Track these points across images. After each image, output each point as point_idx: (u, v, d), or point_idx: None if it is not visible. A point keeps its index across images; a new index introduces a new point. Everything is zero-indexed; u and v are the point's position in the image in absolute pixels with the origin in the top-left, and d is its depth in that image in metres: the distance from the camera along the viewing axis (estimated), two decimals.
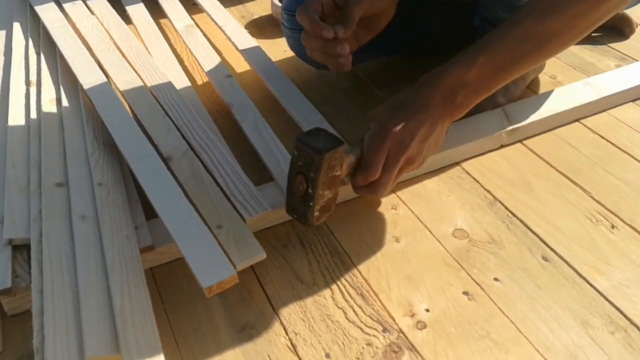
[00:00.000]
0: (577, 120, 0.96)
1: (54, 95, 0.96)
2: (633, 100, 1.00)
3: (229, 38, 1.13)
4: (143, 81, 0.97)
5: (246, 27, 1.26)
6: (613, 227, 0.78)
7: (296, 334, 0.66)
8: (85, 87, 0.93)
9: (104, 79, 0.95)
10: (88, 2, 1.22)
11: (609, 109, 0.98)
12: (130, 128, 0.85)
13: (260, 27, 1.27)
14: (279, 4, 1.24)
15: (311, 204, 0.69)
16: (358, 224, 0.79)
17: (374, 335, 0.66)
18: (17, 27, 1.16)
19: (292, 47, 1.04)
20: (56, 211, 0.74)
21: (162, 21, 1.26)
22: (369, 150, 0.70)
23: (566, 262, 0.74)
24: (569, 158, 0.90)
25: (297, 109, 0.93)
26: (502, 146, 0.92)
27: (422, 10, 0.96)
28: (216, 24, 1.18)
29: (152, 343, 0.59)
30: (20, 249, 0.71)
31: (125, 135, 0.83)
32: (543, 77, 1.06)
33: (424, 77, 0.75)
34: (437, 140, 0.75)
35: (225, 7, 1.29)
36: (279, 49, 1.17)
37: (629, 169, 0.87)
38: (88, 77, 0.95)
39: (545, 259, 0.74)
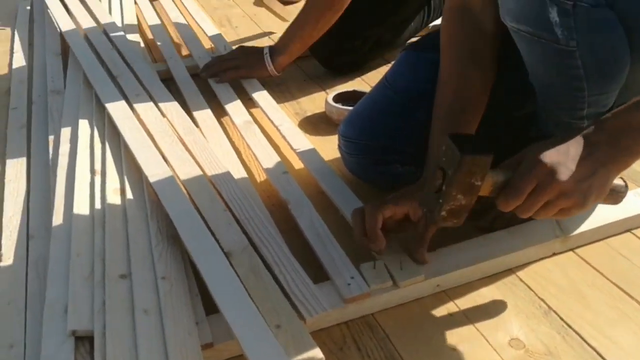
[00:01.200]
0: (628, 230, 0.97)
1: (118, 185, 1.00)
2: None
3: (284, 137, 1.18)
4: (205, 174, 1.01)
5: (300, 124, 1.31)
6: None
7: None
8: (150, 179, 0.97)
9: (168, 171, 1.00)
10: (152, 93, 1.28)
11: None
12: (193, 221, 0.88)
13: (314, 124, 1.31)
14: (333, 103, 1.30)
15: (441, 201, 0.69)
16: (415, 329, 0.80)
17: None
18: (83, 115, 1.23)
19: (349, 168, 1.08)
20: (119, 303, 0.76)
21: (218, 110, 1.32)
22: (518, 174, 0.70)
23: None
24: (622, 269, 0.90)
25: (349, 210, 0.96)
26: (555, 254, 0.92)
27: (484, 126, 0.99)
28: (272, 122, 1.23)
29: None
30: (83, 340, 0.73)
31: (188, 229, 0.86)
32: None
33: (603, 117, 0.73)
34: (602, 185, 0.71)
35: (279, 102, 1.35)
36: (332, 147, 1.20)
37: None
38: (152, 168, 1.00)
39: None
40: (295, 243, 0.91)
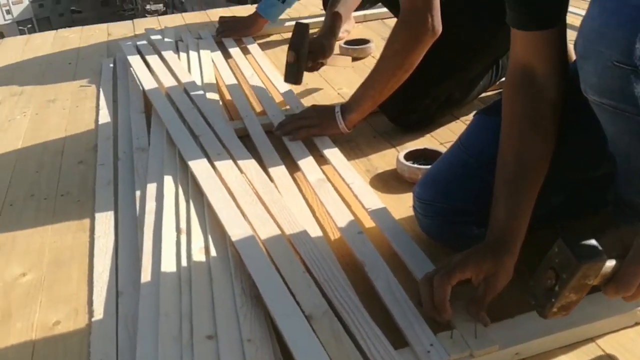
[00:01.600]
0: None
1: (202, 244, 1.05)
2: None
3: (355, 196, 1.21)
4: (284, 233, 1.05)
5: (371, 181, 1.34)
6: None
7: None
8: (233, 238, 1.02)
9: (250, 231, 1.04)
10: (231, 152, 1.34)
11: None
12: (274, 283, 0.91)
13: (384, 181, 1.34)
14: (404, 162, 1.32)
15: (553, 300, 0.72)
16: None
17: None
18: (167, 171, 1.30)
19: (423, 229, 1.09)
20: None
21: (292, 166, 1.36)
22: (629, 267, 0.72)
23: None
24: None
25: (421, 273, 0.97)
26: (637, 323, 0.91)
27: (557, 187, 0.99)
28: (344, 180, 1.26)
29: None
30: None
31: (271, 291, 0.90)
32: None
33: None
34: None
35: (349, 159, 1.39)
36: (403, 205, 1.23)
37: None
38: (235, 228, 1.04)
39: None
40: (372, 306, 0.92)
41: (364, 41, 2.10)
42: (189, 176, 1.27)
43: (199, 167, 1.27)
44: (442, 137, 1.51)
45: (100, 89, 1.89)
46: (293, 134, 1.46)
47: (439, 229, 1.05)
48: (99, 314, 0.97)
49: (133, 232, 1.17)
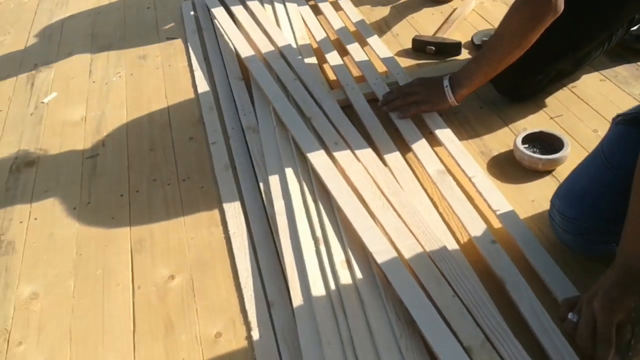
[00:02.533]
0: None
1: (343, 257, 1.09)
2: None
3: (480, 193, 1.22)
4: (423, 248, 1.08)
5: (488, 167, 1.34)
6: None
7: None
8: (376, 257, 1.05)
9: (391, 249, 1.07)
10: (347, 141, 1.35)
11: None
12: (428, 310, 0.96)
13: (501, 166, 1.34)
14: (524, 150, 1.31)
15: (630, 354, 0.81)
16: None
17: None
18: (286, 163, 1.32)
19: (562, 241, 1.10)
20: None
21: (402, 145, 1.37)
22: None
23: None
24: None
25: (562, 294, 1.00)
26: None
27: None
28: (464, 172, 1.27)
29: None
30: None
31: (426, 320, 0.94)
32: None
33: None
34: None
35: (461, 139, 1.38)
36: (526, 198, 1.24)
37: None
38: (375, 245, 1.08)
39: None
40: (517, 329, 0.97)
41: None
42: (310, 170, 1.28)
43: (320, 161, 1.28)
44: (552, 110, 1.48)
45: (189, 45, 1.87)
46: (402, 112, 1.45)
47: (578, 244, 1.07)
48: (255, 326, 1.05)
49: (266, 229, 1.22)
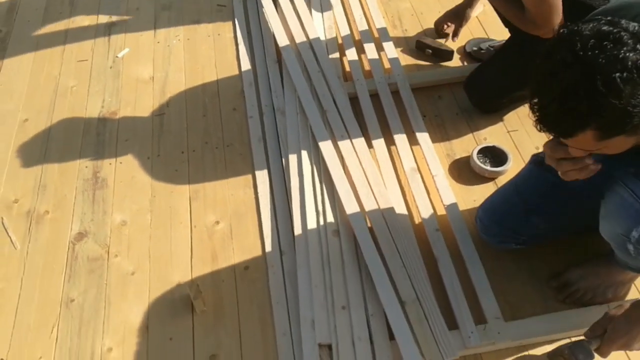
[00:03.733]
0: None
1: (335, 228, 1.62)
2: None
3: (437, 189, 1.73)
4: (389, 228, 1.61)
5: (449, 168, 1.84)
6: None
7: None
8: (355, 230, 1.58)
9: (366, 225, 1.59)
10: (351, 135, 1.84)
11: None
12: (383, 274, 1.50)
13: (460, 169, 1.83)
14: (476, 160, 1.80)
15: None
16: None
17: None
18: (303, 146, 1.81)
19: (482, 238, 1.60)
20: (343, 328, 1.42)
21: (393, 148, 1.86)
22: (605, 346, 1.28)
23: None
24: None
25: (474, 275, 1.54)
26: None
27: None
28: (430, 171, 1.77)
29: None
30: (324, 347, 1.40)
31: (380, 280, 1.48)
32: None
33: None
34: None
35: (434, 141, 1.87)
36: (470, 198, 1.75)
37: None
38: (357, 222, 1.60)
39: None
40: (439, 296, 1.50)
41: None
42: (320, 157, 1.78)
43: (328, 150, 1.78)
44: (510, 124, 1.95)
45: (235, 20, 2.29)
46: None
47: (491, 242, 1.59)
48: (271, 266, 1.59)
49: (284, 197, 1.73)
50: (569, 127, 1.00)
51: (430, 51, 2.17)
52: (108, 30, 2.30)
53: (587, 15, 1.09)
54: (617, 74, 0.92)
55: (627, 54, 0.92)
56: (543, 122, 1.02)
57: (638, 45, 0.93)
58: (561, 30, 1.00)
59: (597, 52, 0.93)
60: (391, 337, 1.41)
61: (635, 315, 1.26)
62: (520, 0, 1.58)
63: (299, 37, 2.14)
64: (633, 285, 1.52)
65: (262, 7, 2.29)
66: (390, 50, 2.14)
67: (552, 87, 0.98)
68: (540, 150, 1.78)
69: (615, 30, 0.95)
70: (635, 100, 0.92)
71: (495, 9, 1.81)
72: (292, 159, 1.80)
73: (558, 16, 1.54)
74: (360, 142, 1.83)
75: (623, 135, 0.98)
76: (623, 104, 0.93)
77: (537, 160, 1.54)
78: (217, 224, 1.70)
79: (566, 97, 0.96)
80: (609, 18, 0.99)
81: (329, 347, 1.41)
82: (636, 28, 0.96)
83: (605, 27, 0.96)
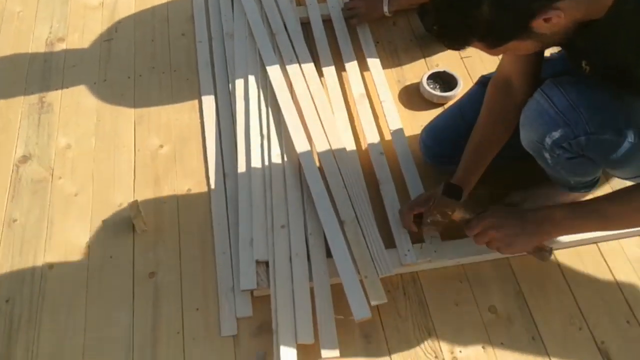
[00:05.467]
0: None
1: (279, 151, 1.61)
2: None
3: (384, 115, 1.72)
4: (332, 151, 1.60)
5: (399, 94, 1.83)
6: None
7: None
8: (299, 153, 1.58)
9: (310, 149, 1.59)
10: (300, 61, 1.81)
11: None
12: (324, 193, 1.50)
13: (409, 95, 1.82)
14: (426, 86, 1.79)
15: (428, 213, 1.35)
16: (440, 284, 1.44)
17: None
18: (251, 71, 1.79)
19: (425, 159, 1.61)
20: (281, 245, 1.43)
21: (343, 74, 1.84)
22: (476, 219, 1.29)
23: None
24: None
25: (413, 190, 1.55)
26: None
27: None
28: (378, 97, 1.76)
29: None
30: (261, 264, 1.42)
31: (321, 200, 1.49)
32: None
33: (542, 207, 1.28)
34: (523, 244, 1.25)
35: (385, 67, 1.85)
36: (417, 123, 1.74)
37: None
38: (301, 146, 1.59)
39: None
40: (379, 217, 1.51)
41: None
42: (268, 82, 1.76)
43: (275, 74, 1.75)
44: (464, 51, 1.93)
45: None
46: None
47: (432, 162, 1.60)
48: (213, 188, 1.59)
49: (229, 121, 1.72)
50: (455, 43, 1.10)
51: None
52: None
53: None
54: None
55: None
56: (440, 40, 1.12)
57: None
58: None
59: None
60: (329, 254, 1.43)
61: (535, 216, 1.24)
62: None
63: None
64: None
65: None
66: None
67: (431, 9, 1.09)
68: None
69: None
70: (499, 10, 0.97)
71: None
72: (239, 83, 1.78)
73: None
74: (309, 67, 1.80)
75: (515, 41, 1.03)
76: (486, 15, 0.97)
77: (484, 81, 1.53)
78: (161, 147, 1.69)
79: (439, 16, 1.05)
80: None
81: (267, 264, 1.42)
82: None
83: None
